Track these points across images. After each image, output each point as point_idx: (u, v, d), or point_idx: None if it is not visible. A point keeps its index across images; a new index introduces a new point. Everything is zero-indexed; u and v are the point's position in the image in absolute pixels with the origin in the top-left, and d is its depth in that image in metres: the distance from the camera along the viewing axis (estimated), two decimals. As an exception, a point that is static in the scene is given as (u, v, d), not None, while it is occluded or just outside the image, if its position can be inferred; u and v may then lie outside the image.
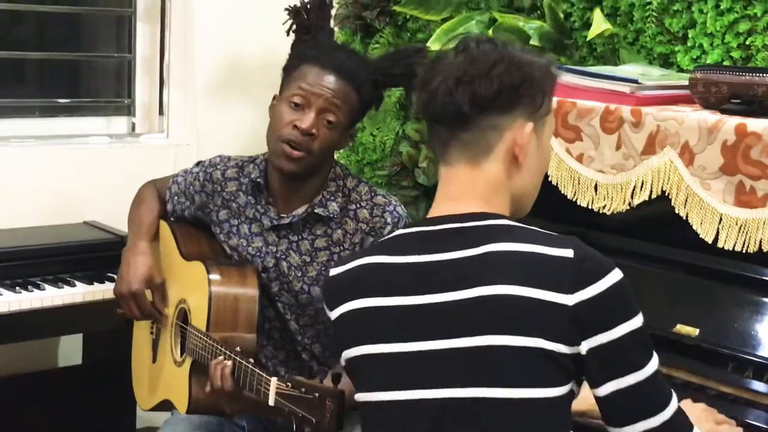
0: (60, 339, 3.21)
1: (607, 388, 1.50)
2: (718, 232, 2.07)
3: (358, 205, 2.26)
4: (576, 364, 1.50)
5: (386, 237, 1.70)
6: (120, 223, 2.95)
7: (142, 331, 2.55)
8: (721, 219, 2.07)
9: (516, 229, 1.56)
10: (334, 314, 1.65)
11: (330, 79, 2.20)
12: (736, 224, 2.04)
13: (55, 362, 3.24)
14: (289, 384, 1.83)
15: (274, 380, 1.88)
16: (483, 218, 1.57)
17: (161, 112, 3.48)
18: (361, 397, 1.61)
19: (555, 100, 2.31)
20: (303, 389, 1.80)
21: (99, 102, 3.51)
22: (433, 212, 1.62)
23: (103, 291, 2.74)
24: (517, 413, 1.49)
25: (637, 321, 1.50)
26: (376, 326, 1.59)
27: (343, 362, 1.65)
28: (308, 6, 2.41)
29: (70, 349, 3.21)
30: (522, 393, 1.49)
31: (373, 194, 2.29)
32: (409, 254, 1.59)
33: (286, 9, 2.41)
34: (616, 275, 1.51)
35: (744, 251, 2.03)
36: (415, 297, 1.56)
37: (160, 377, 2.42)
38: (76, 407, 3.05)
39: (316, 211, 2.24)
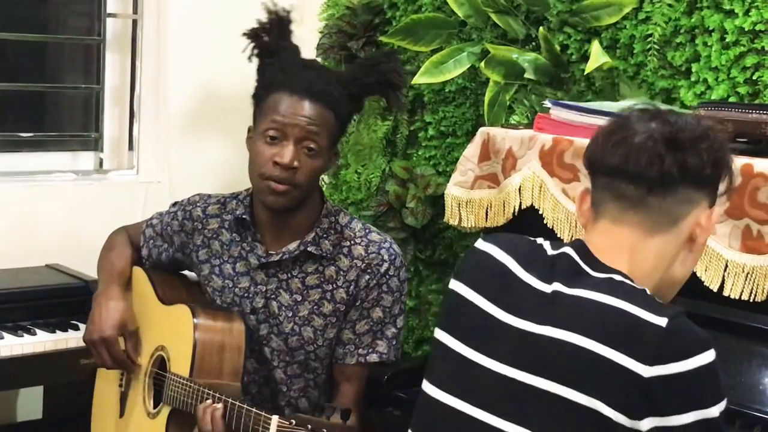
0: (19, 392, 3.20)
1: None
2: (723, 280, 2.08)
3: (352, 242, 2.30)
4: None
5: (533, 241, 1.74)
6: (86, 267, 2.96)
7: (107, 384, 2.54)
8: (726, 266, 2.08)
9: (623, 285, 1.60)
10: (451, 284, 1.74)
11: (303, 105, 2.23)
12: (743, 271, 2.06)
13: (14, 416, 3.22)
14: (293, 421, 1.83)
15: (275, 418, 1.88)
16: (611, 272, 1.62)
17: (131, 147, 3.50)
18: (423, 384, 1.70)
19: (551, 138, 2.36)
20: (309, 426, 1.80)
21: (64, 136, 3.53)
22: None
23: (66, 340, 2.74)
24: None
25: (712, 411, 1.51)
26: (466, 324, 1.68)
27: None
28: (266, 26, 2.41)
29: (29, 403, 3.19)
30: None
31: (367, 231, 2.34)
32: (531, 271, 1.65)
33: (244, 34, 2.42)
34: (704, 358, 1.51)
35: (751, 300, 2.04)
36: (505, 313, 1.63)
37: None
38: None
39: (308, 249, 2.27)
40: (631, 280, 1.62)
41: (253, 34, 2.42)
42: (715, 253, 2.10)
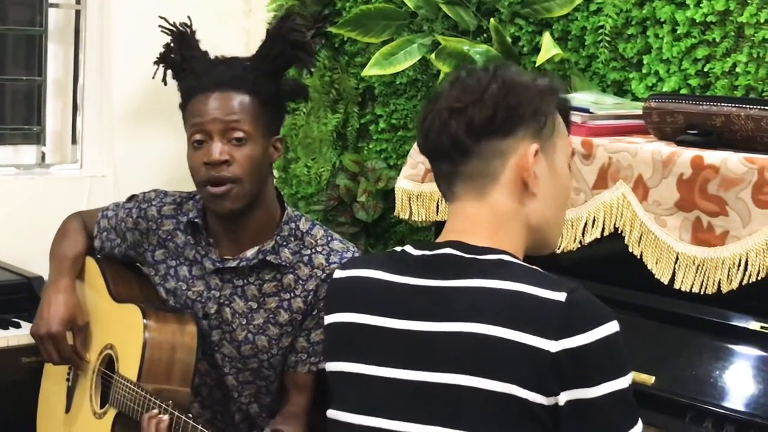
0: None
1: None
2: (674, 273, 2.09)
3: (313, 251, 2.26)
4: (552, 417, 1.50)
5: (392, 250, 1.72)
6: (28, 264, 2.93)
7: (53, 379, 2.51)
8: (677, 258, 2.10)
9: (513, 267, 1.58)
10: (327, 320, 1.70)
11: (217, 99, 2.21)
12: (694, 264, 2.07)
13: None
14: None
15: None
16: (484, 252, 1.59)
17: (74, 141, 3.47)
18: (331, 413, 1.66)
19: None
20: None
21: (5, 129, 3.48)
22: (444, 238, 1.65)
23: (7, 338, 2.71)
24: None
25: (622, 382, 1.51)
26: (359, 345, 1.64)
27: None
28: (171, 45, 2.40)
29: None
30: None
31: (329, 239, 2.29)
32: (405, 275, 1.62)
33: (155, 62, 2.41)
34: (609, 328, 1.51)
35: (702, 292, 2.06)
36: (401, 321, 1.60)
37: (74, 429, 2.39)
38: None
39: (268, 258, 2.23)
40: (513, 256, 1.61)
41: (161, 58, 2.41)
42: (666, 246, 2.12)
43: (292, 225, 2.28)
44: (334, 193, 3.22)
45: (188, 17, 2.44)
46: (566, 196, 1.74)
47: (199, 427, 1.94)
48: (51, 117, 3.44)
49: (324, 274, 2.23)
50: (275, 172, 3.48)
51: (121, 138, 3.42)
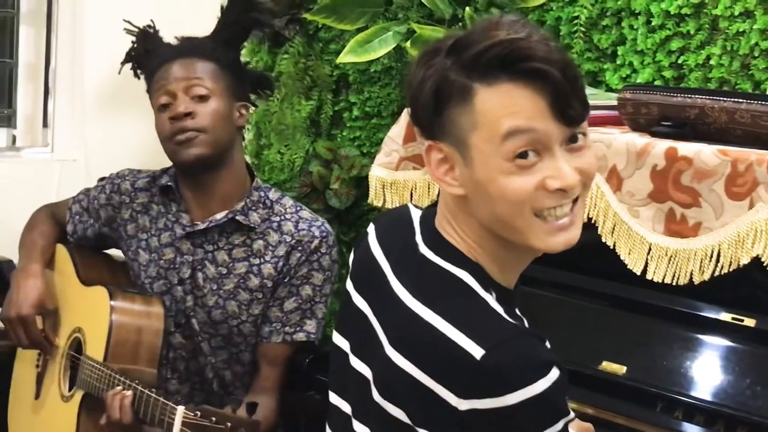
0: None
1: None
2: (647, 263, 2.10)
3: (282, 218, 2.31)
4: None
5: (399, 222, 1.64)
6: (-2, 247, 2.90)
7: (24, 365, 2.50)
8: (650, 249, 2.10)
9: (459, 295, 1.48)
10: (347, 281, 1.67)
11: (179, 64, 2.32)
12: (666, 255, 2.08)
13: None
14: (198, 413, 1.83)
15: (180, 409, 1.88)
16: (454, 260, 1.50)
17: (45, 124, 3.43)
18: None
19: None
20: (213, 419, 1.81)
21: (-26, 112, 3.45)
22: (438, 216, 1.57)
23: (-22, 321, 2.67)
24: None
25: None
26: (347, 320, 1.62)
27: None
28: (134, 45, 2.53)
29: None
30: None
31: (298, 208, 2.36)
32: (396, 273, 1.55)
33: (122, 62, 2.55)
34: (528, 392, 1.37)
35: (674, 283, 2.06)
36: (373, 316, 1.56)
37: (42, 414, 2.38)
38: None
39: (237, 218, 2.27)
40: (479, 270, 1.50)
41: (128, 58, 2.54)
42: (639, 237, 2.12)
43: (262, 193, 2.34)
44: (307, 180, 3.20)
45: (151, 19, 2.54)
46: (500, 187, 1.68)
47: (161, 399, 1.94)
48: (22, 100, 3.40)
49: (294, 240, 2.28)
50: (247, 158, 3.49)
51: (93, 122, 3.38)
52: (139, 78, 2.49)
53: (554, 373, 1.39)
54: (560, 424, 1.41)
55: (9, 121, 3.41)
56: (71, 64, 3.37)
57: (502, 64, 1.42)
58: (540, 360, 1.40)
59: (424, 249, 1.55)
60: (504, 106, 1.42)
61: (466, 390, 1.39)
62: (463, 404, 1.39)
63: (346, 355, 1.62)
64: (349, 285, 1.66)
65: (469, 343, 1.39)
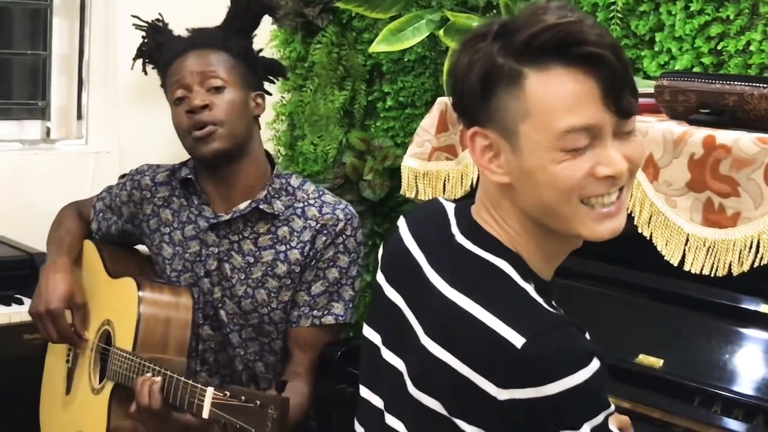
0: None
1: None
2: (684, 254, 2.05)
3: (305, 203, 2.31)
4: None
5: (433, 214, 1.60)
6: (32, 240, 2.90)
7: (55, 360, 2.50)
8: (687, 240, 2.06)
9: (498, 283, 1.45)
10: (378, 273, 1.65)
11: (192, 57, 2.31)
12: (704, 245, 2.03)
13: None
14: (227, 393, 1.82)
15: (210, 389, 1.87)
16: (491, 248, 1.48)
17: (80, 116, 3.44)
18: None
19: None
20: (243, 398, 1.80)
21: (10, 104, 3.45)
22: (475, 206, 1.55)
23: (9, 315, 2.69)
24: None
25: (582, 430, 1.36)
26: (379, 310, 1.61)
27: None
28: (145, 40, 2.51)
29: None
30: None
31: (321, 193, 2.35)
32: (431, 264, 1.52)
33: (133, 58, 2.54)
34: (568, 382, 1.35)
35: (712, 275, 2.02)
36: (408, 309, 1.54)
37: (74, 409, 2.38)
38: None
39: (260, 207, 2.26)
40: (517, 260, 1.47)
41: (140, 53, 2.53)
42: (676, 227, 2.08)
43: (283, 180, 2.33)
44: (340, 171, 3.18)
45: (159, 13, 2.54)
46: (549, 176, 1.64)
47: (190, 382, 1.94)
48: (56, 92, 3.41)
49: (318, 225, 2.27)
50: (281, 150, 3.48)
51: (127, 114, 3.39)
52: (147, 74, 2.47)
53: (595, 364, 1.37)
54: (601, 417, 1.39)
55: (43, 114, 3.42)
56: (105, 55, 3.38)
57: (555, 49, 1.39)
58: (581, 350, 1.38)
59: (461, 239, 1.52)
60: (560, 98, 1.40)
61: (506, 379, 1.36)
62: (502, 394, 1.37)
63: (378, 348, 1.60)
64: (381, 278, 1.64)
65: (509, 331, 1.37)
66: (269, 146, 3.55)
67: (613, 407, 1.43)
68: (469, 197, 2.38)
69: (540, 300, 1.44)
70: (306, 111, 3.36)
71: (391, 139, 3.13)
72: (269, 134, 3.51)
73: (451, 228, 1.56)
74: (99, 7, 3.36)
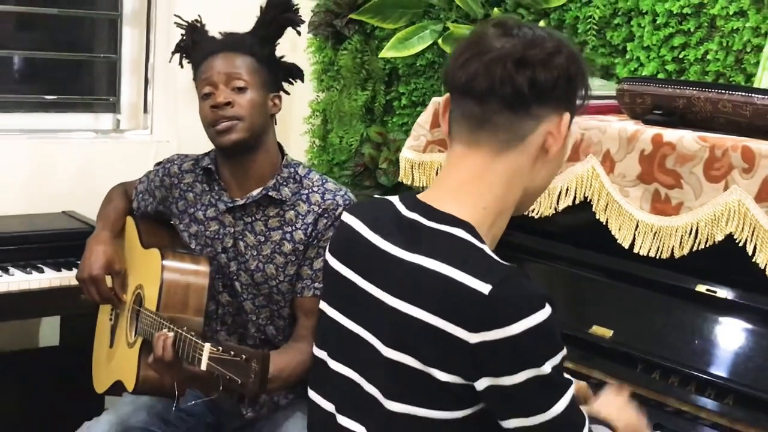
0: (40, 321, 3.17)
1: (511, 423, 1.39)
2: (634, 238, 1.99)
3: (310, 191, 2.27)
4: (474, 395, 1.38)
5: (389, 202, 1.55)
6: (98, 215, 2.90)
7: (104, 317, 2.51)
8: (637, 225, 1.99)
9: (458, 245, 1.41)
10: (327, 257, 1.62)
11: (221, 58, 2.25)
12: (651, 231, 1.97)
13: (36, 342, 3.20)
14: (220, 348, 1.81)
15: (207, 345, 1.85)
16: (446, 221, 1.44)
17: (145, 110, 3.43)
18: (316, 350, 1.62)
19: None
20: (232, 352, 1.78)
21: (87, 99, 3.46)
22: (427, 195, 1.51)
23: (70, 277, 2.69)
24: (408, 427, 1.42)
25: (544, 368, 1.34)
26: (337, 293, 1.57)
27: None
28: (183, 37, 2.44)
29: (48, 331, 3.16)
30: (410, 410, 1.41)
31: (324, 181, 2.30)
32: (381, 235, 1.49)
33: (172, 53, 2.46)
34: (531, 321, 1.32)
35: (657, 257, 1.95)
36: (365, 282, 1.50)
37: (115, 359, 2.38)
38: (52, 385, 3.01)
39: (270, 194, 2.23)
40: (471, 228, 1.43)
41: (177, 49, 2.45)
42: (628, 214, 2.01)
43: (291, 170, 2.29)
44: (360, 160, 3.14)
45: (198, 14, 2.46)
46: (563, 163, 1.63)
47: (193, 337, 1.92)
48: (125, 90, 3.40)
49: (320, 209, 2.23)
50: (316, 141, 3.44)
51: (184, 109, 3.36)
52: (182, 67, 2.44)
53: (549, 308, 1.36)
54: (558, 357, 1.37)
55: (114, 108, 3.42)
56: (167, 58, 3.35)
57: None
58: (538, 294, 1.36)
59: (413, 215, 1.48)
60: None
61: (476, 324, 1.33)
62: (473, 338, 1.34)
63: (340, 323, 1.55)
64: (330, 258, 1.60)
65: (475, 281, 1.35)
66: (305, 138, 3.52)
67: (565, 350, 1.39)
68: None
69: (495, 256, 1.41)
70: (334, 108, 3.32)
71: (405, 133, 3.07)
72: (305, 128, 3.48)
73: (400, 210, 1.52)
74: (162, 16, 3.34)
